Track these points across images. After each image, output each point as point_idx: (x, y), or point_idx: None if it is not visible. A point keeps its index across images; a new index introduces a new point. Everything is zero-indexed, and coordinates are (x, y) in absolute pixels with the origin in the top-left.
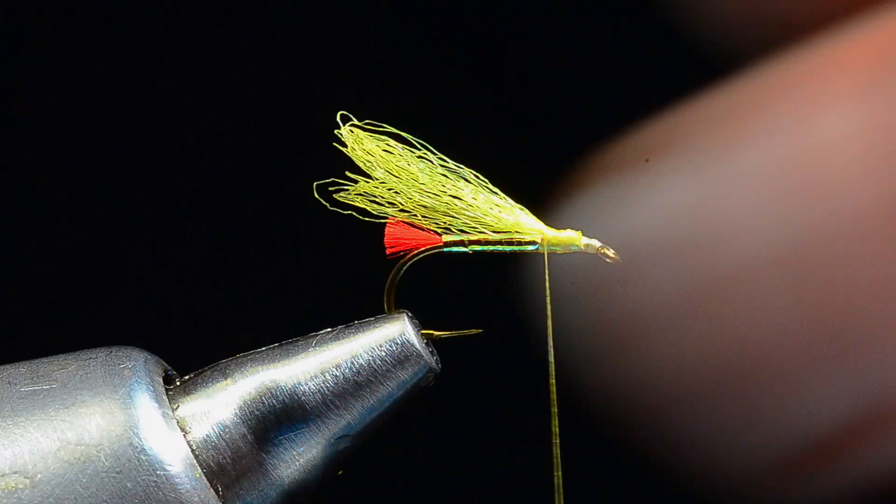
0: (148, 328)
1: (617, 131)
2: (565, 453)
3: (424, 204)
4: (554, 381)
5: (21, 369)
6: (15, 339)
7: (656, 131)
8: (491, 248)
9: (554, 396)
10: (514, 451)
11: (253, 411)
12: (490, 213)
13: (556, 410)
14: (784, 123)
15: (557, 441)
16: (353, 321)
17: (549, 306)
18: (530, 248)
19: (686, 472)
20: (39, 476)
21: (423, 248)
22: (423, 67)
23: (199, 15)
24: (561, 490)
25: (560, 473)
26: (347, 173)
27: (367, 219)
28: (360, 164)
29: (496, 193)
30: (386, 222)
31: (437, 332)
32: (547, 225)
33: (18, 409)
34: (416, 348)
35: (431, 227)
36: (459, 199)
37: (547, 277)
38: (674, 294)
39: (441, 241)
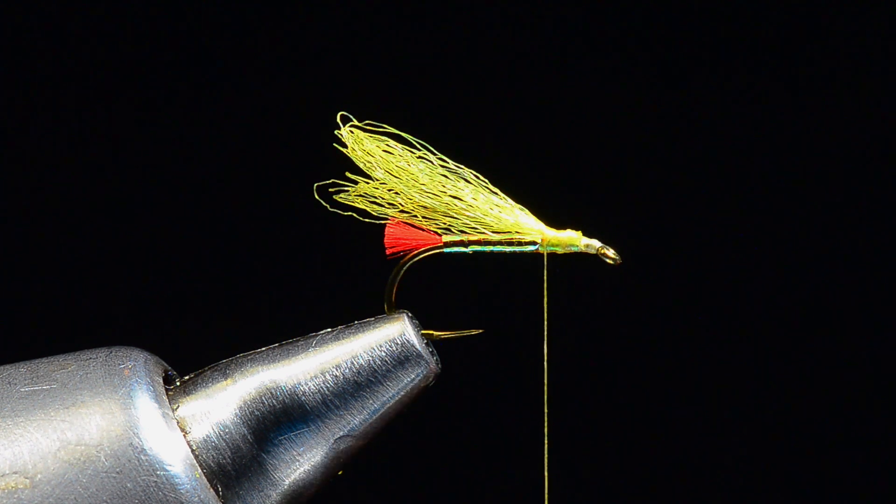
0: (148, 328)
1: (618, 131)
2: (563, 454)
3: (424, 204)
4: (546, 382)
5: (21, 369)
6: (15, 339)
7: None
8: (491, 248)
9: (546, 397)
10: (514, 451)
11: (253, 411)
12: (490, 214)
13: (547, 410)
14: None
15: (546, 442)
16: (353, 321)
17: (545, 307)
18: (530, 248)
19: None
20: (39, 476)
21: (423, 249)
22: (423, 67)
23: (199, 14)
24: (547, 491)
25: (546, 475)
26: (348, 174)
27: (367, 220)
28: (360, 165)
29: (496, 193)
30: (386, 223)
31: (437, 333)
32: (547, 225)
33: (18, 409)
34: (417, 348)
35: (431, 228)
36: (459, 199)
37: (545, 277)
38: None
39: (441, 242)
